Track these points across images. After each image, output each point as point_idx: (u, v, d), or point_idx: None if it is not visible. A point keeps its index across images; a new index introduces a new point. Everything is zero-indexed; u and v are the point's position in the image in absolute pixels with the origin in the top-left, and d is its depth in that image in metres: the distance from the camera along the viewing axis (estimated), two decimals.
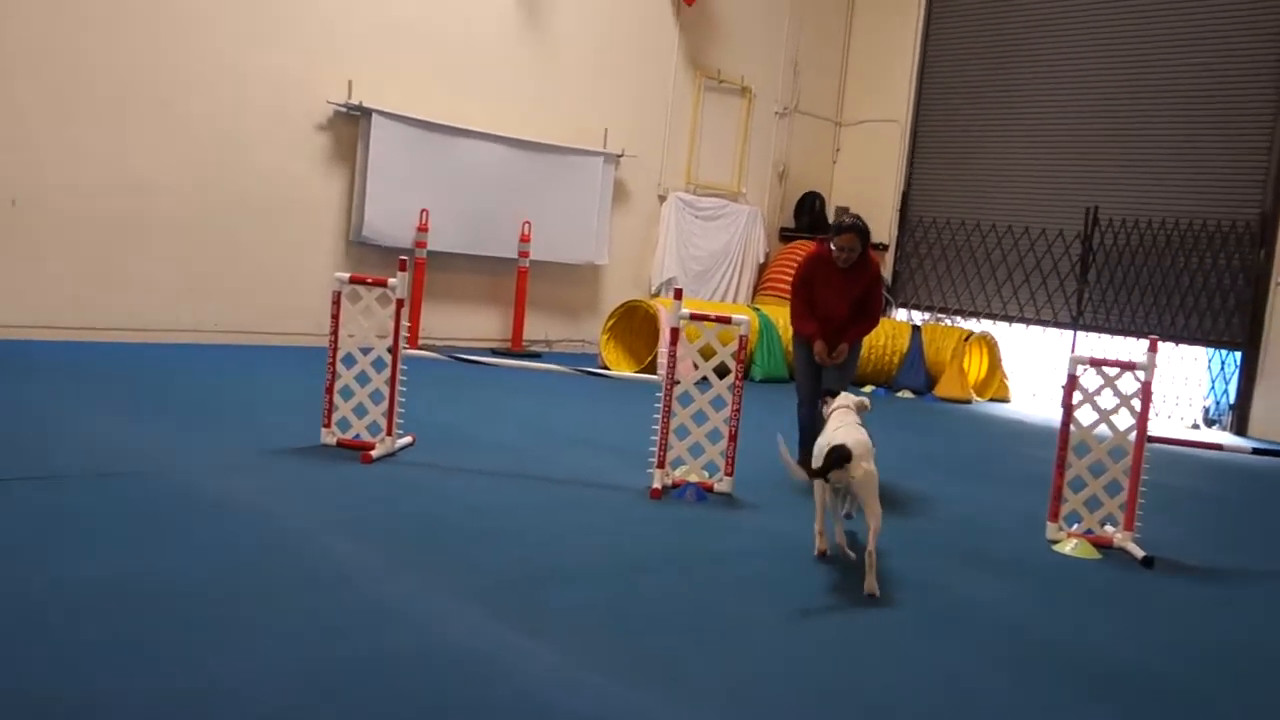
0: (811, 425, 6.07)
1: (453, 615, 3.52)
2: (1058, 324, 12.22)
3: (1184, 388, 11.49)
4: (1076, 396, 5.40)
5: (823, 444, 4.55)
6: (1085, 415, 5.45)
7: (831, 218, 13.85)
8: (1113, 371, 5.41)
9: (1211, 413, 11.35)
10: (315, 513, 4.58)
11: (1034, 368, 12.61)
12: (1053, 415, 11.07)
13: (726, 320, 5.66)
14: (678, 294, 5.66)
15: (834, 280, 6.28)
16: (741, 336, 5.58)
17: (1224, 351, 11.21)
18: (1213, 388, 11.41)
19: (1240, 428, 10.93)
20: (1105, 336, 11.92)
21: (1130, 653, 3.87)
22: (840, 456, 4.31)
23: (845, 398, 5.06)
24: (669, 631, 3.59)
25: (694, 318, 5.65)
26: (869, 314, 6.43)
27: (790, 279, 12.61)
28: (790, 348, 10.92)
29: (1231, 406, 11.10)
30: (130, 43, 8.55)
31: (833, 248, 6.21)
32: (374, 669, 3.03)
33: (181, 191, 8.96)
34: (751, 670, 3.34)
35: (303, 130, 9.62)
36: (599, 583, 4.04)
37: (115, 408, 6.30)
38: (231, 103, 9.14)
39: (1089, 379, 5.44)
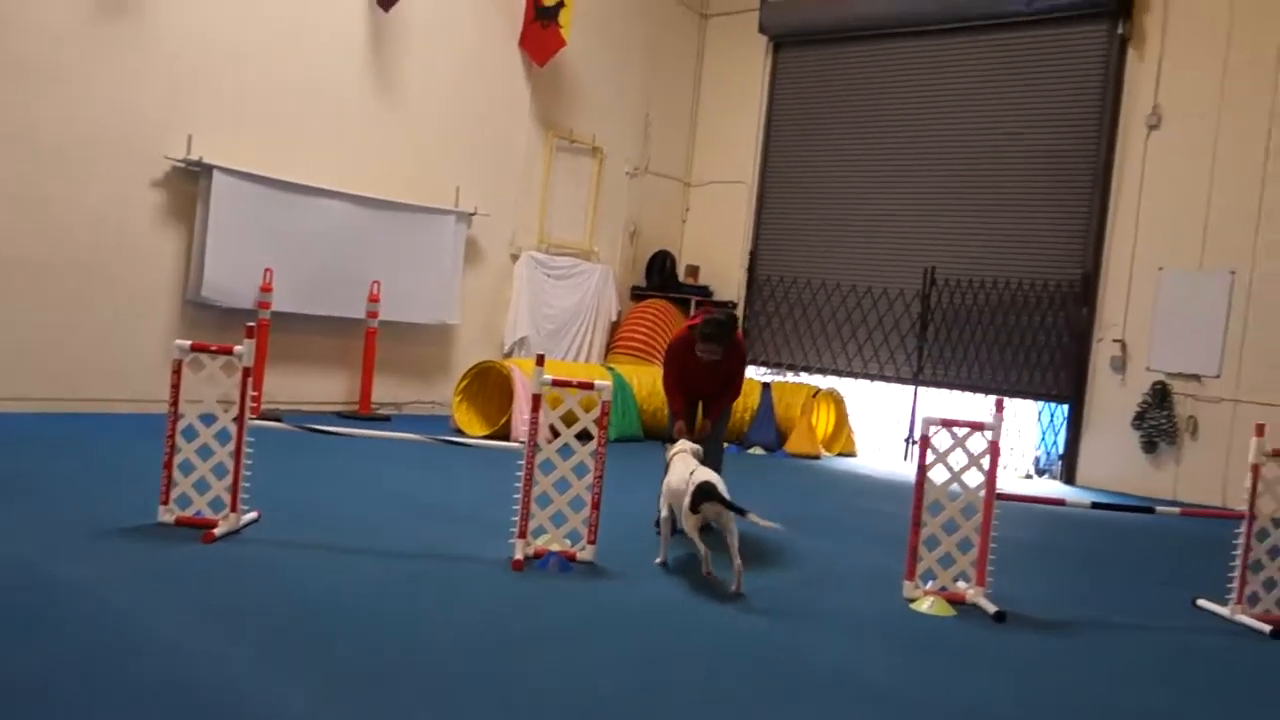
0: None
1: (311, 714, 3.32)
2: (900, 379, 12.62)
3: (1017, 439, 11.99)
4: (929, 456, 5.53)
5: (680, 481, 5.61)
6: (937, 473, 5.59)
7: (682, 276, 14.04)
8: (962, 432, 5.58)
9: (1042, 463, 11.88)
10: (156, 602, 4.28)
11: (878, 423, 12.97)
12: (898, 469, 11.42)
13: (589, 386, 5.61)
14: (539, 360, 5.58)
15: (701, 365, 6.56)
16: (604, 402, 5.53)
17: (1053, 404, 11.76)
18: (1043, 439, 11.95)
19: (1069, 476, 11.46)
20: (944, 391, 12.36)
21: (992, 708, 3.94)
22: (707, 492, 5.38)
23: (683, 444, 6.12)
24: (548, 717, 3.48)
25: (556, 383, 5.58)
26: (731, 390, 6.85)
27: (641, 337, 12.84)
28: (649, 400, 11.03)
29: (1060, 457, 11.63)
30: None
31: (698, 344, 6.46)
32: None
33: (8, 245, 8.43)
34: None
35: (138, 186, 9.19)
36: (466, 668, 3.89)
37: None
38: (62, 157, 8.67)
39: (940, 439, 5.59)
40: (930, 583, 5.61)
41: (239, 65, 9.72)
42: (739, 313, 13.80)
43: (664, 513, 5.83)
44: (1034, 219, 11.76)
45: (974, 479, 5.60)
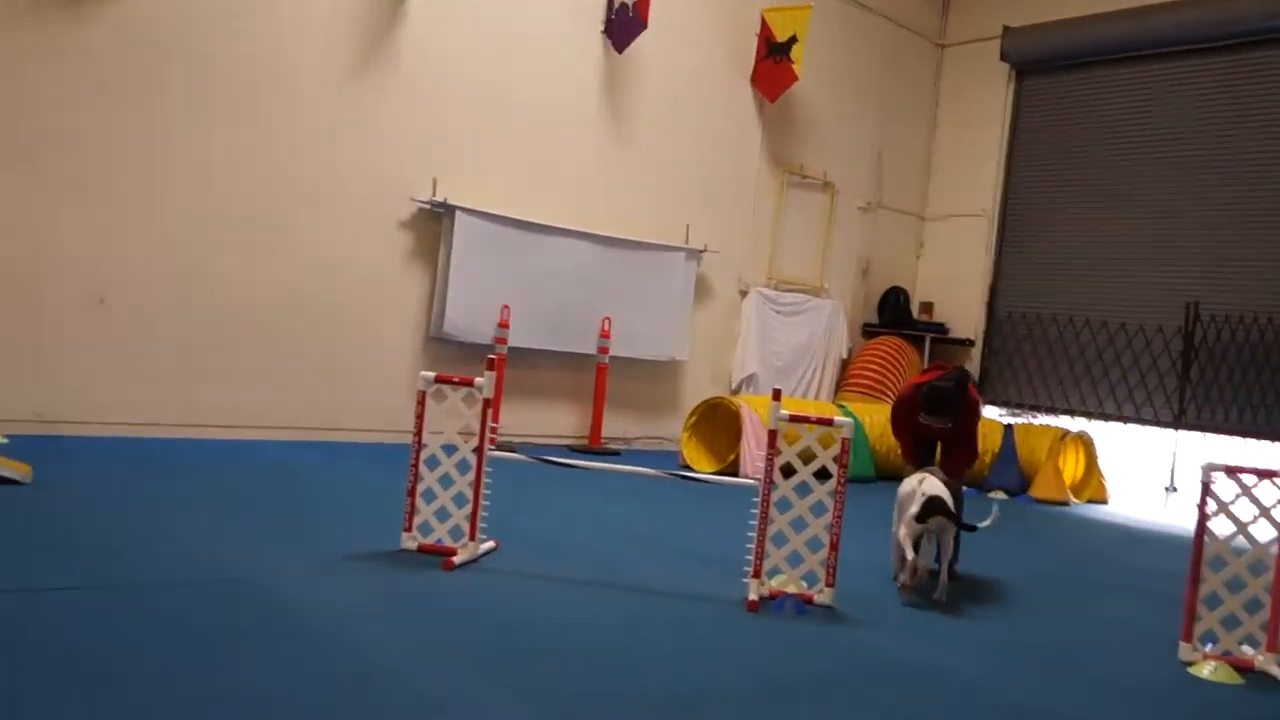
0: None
1: None
2: (1157, 422, 11.70)
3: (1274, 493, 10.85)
4: (1211, 506, 5.00)
5: (913, 490, 5.71)
6: (1219, 526, 5.04)
7: (916, 313, 13.56)
8: (1250, 480, 5.01)
9: None
10: (399, 627, 4.33)
11: (1132, 468, 12.06)
12: (1155, 519, 10.54)
13: (829, 422, 5.37)
14: (776, 394, 5.39)
15: (929, 426, 6.26)
16: (844, 439, 5.28)
17: None
18: None
19: None
20: (1208, 435, 11.37)
21: None
22: (936, 507, 5.50)
23: (921, 473, 5.98)
24: None
25: (793, 419, 5.37)
26: (967, 451, 6.42)
27: (873, 375, 12.44)
28: (880, 440, 10.62)
29: None
30: (221, 138, 8.64)
31: (920, 419, 6.17)
32: None
33: (267, 287, 8.97)
34: None
35: (387, 227, 9.64)
36: (699, 713, 3.71)
37: (192, 506, 6.17)
38: (317, 205, 9.18)
39: (1223, 487, 5.04)
40: (1211, 645, 5.04)
41: (482, 109, 10.07)
42: (977, 350, 13.19)
43: (902, 531, 5.72)
44: None
45: (1262, 532, 5.02)
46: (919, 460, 6.39)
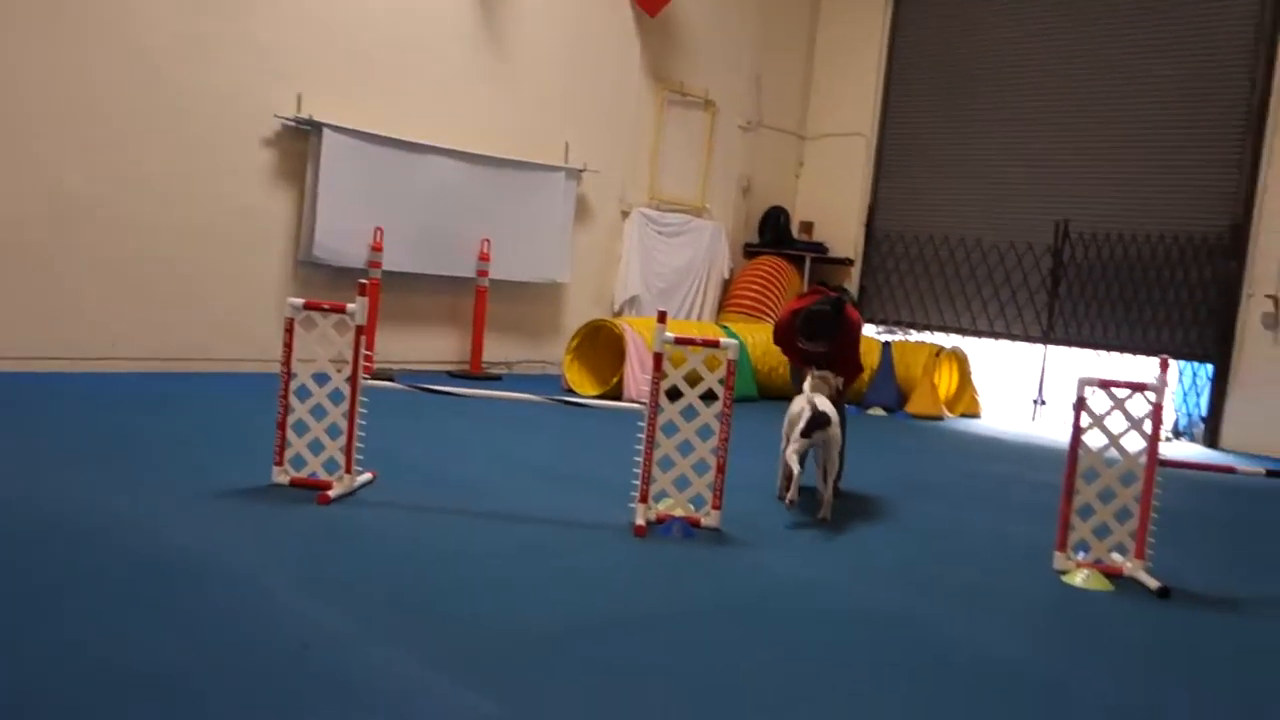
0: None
1: (428, 690, 3.10)
2: (1028, 338, 12.02)
3: (1144, 405, 11.29)
4: (1085, 419, 5.09)
5: (801, 406, 5.76)
6: (1091, 438, 5.15)
7: (796, 232, 13.60)
8: (1122, 393, 5.12)
9: (1181, 425, 11.19)
10: (269, 564, 4.13)
11: (1004, 383, 12.40)
12: (1026, 432, 10.87)
13: (715, 344, 5.29)
14: (661, 316, 5.28)
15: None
16: (730, 361, 5.21)
17: (1195, 364, 11.06)
18: (1184, 400, 11.25)
19: (1212, 440, 10.78)
20: (1076, 350, 11.73)
21: (1149, 698, 3.54)
22: (823, 421, 5.58)
23: (832, 379, 6.07)
24: (685, 703, 3.20)
25: (679, 341, 5.28)
26: (850, 369, 6.40)
27: (754, 295, 12.46)
28: (763, 360, 10.66)
29: (1203, 419, 10.94)
30: (70, 53, 8.03)
31: (799, 341, 6.15)
32: None
33: (118, 211, 8.45)
34: None
35: (249, 147, 9.14)
36: (591, 641, 3.63)
37: (49, 443, 5.81)
38: (172, 118, 8.65)
39: (1097, 401, 5.14)
40: (1083, 554, 5.18)
41: (349, 21, 9.58)
42: (856, 270, 13.32)
43: (790, 447, 5.69)
44: (1177, 166, 11.01)
45: (1133, 443, 5.15)
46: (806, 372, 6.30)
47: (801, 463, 5.62)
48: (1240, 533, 6.71)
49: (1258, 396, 10.47)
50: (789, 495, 5.54)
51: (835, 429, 5.68)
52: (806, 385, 6.01)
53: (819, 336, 6.09)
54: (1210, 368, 10.90)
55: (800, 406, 5.80)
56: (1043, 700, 3.47)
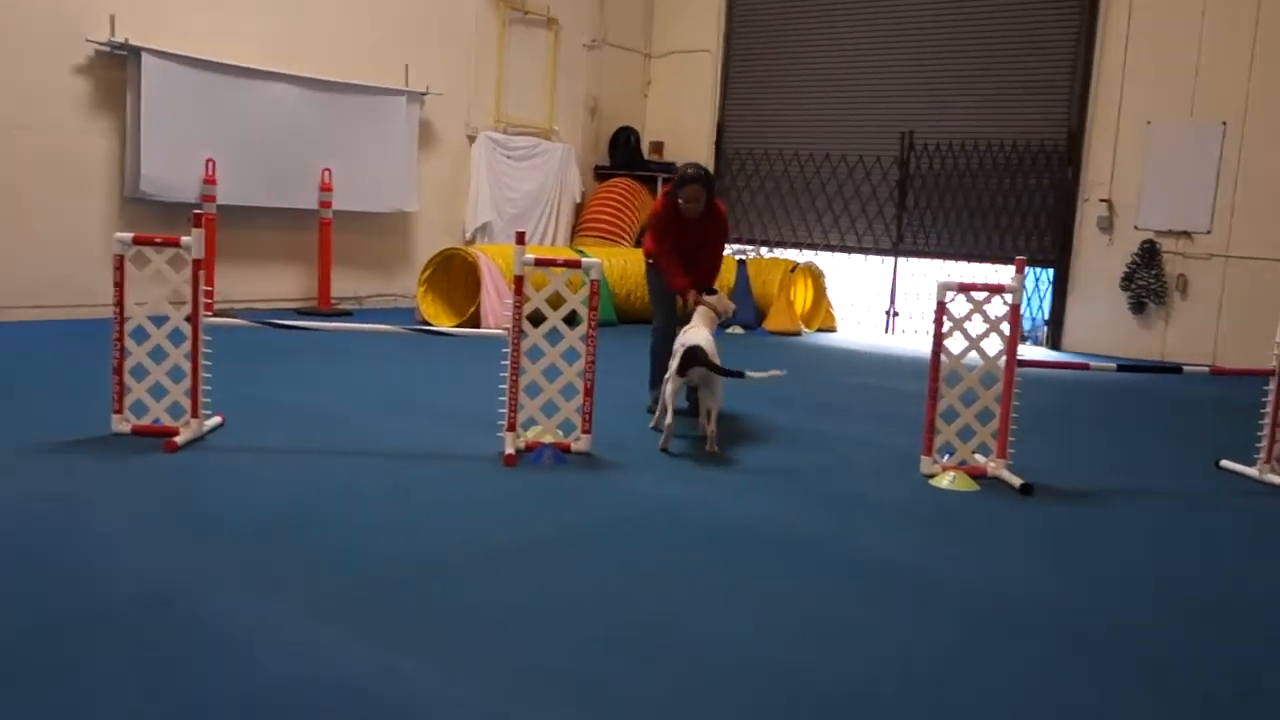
0: (666, 353, 5.88)
1: (298, 635, 2.92)
2: (879, 250, 12.22)
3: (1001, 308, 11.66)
4: (946, 325, 5.15)
5: (680, 344, 5.51)
6: (951, 343, 5.21)
7: (647, 153, 13.45)
8: (980, 296, 5.19)
9: (1027, 329, 11.60)
10: (117, 519, 3.84)
11: (858, 296, 12.62)
12: (881, 343, 11.10)
13: (576, 264, 5.14)
14: (520, 238, 5.09)
15: (688, 229, 6.17)
16: (594, 281, 5.07)
17: (1037, 269, 11.44)
18: (1027, 304, 11.64)
19: (1055, 342, 11.22)
20: (925, 260, 11.99)
21: (1025, 587, 3.63)
22: (697, 358, 5.32)
23: (718, 299, 5.98)
24: (564, 628, 3.10)
25: (540, 263, 5.10)
26: (712, 256, 6.38)
27: (607, 218, 12.30)
28: (620, 284, 10.54)
29: (1046, 322, 11.37)
30: None
31: (680, 203, 6.07)
32: (218, 713, 2.42)
33: None
34: (674, 669, 2.88)
35: (58, 75, 8.43)
36: (464, 577, 3.49)
37: None
38: None
39: (957, 305, 5.20)
40: (948, 457, 5.28)
41: None
42: None
43: (667, 387, 5.55)
44: (1015, 77, 11.27)
45: (992, 345, 5.24)
46: (685, 278, 6.12)
47: (676, 400, 5.52)
48: (1093, 428, 6.97)
49: (1095, 297, 10.92)
50: (661, 443, 5.41)
51: (707, 368, 5.43)
52: (697, 314, 5.88)
53: (700, 181, 6.00)
54: (1052, 272, 11.29)
55: (678, 342, 5.64)
56: (921, 597, 3.50)
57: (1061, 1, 10.95)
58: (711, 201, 6.17)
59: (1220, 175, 10.14)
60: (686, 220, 6.13)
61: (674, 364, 5.46)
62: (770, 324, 11.27)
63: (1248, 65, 9.95)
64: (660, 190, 12.90)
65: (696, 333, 5.61)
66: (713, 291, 6.07)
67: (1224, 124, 10.09)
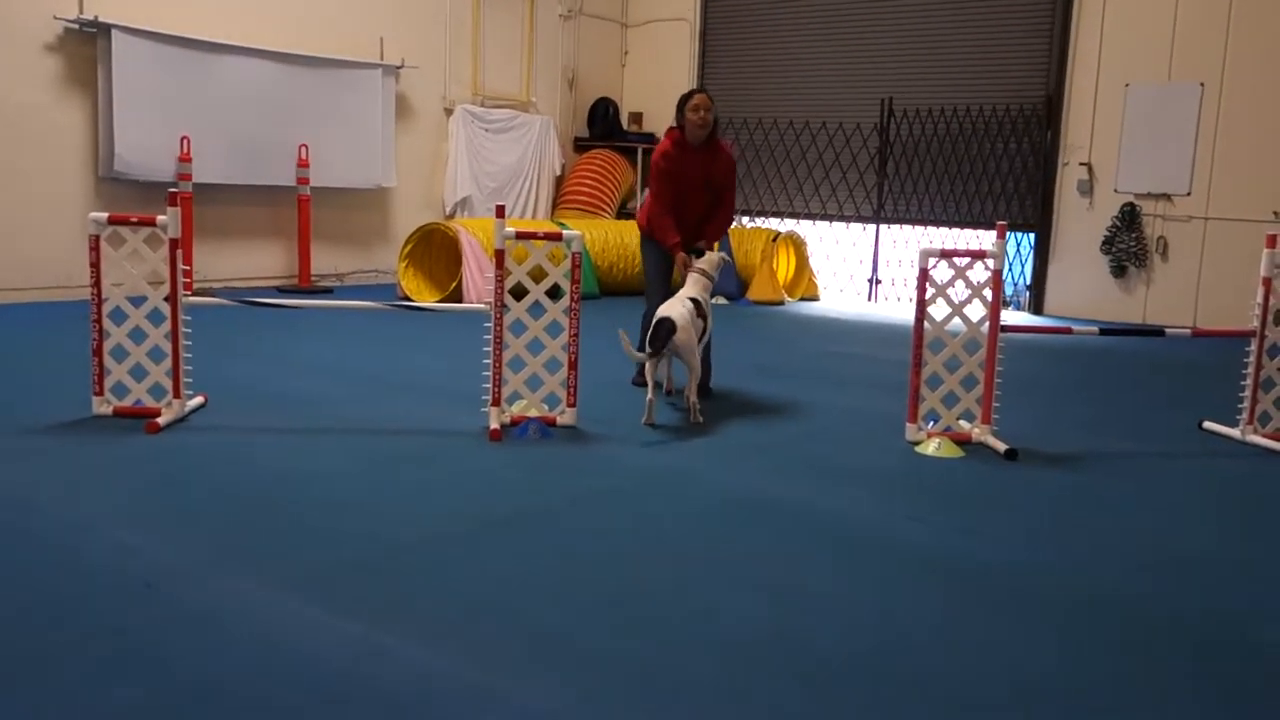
0: None
1: (287, 617, 2.90)
2: (860, 218, 12.20)
3: (983, 273, 11.67)
4: (929, 292, 5.15)
5: (655, 316, 5.41)
6: (934, 310, 5.21)
7: (626, 124, 13.37)
8: (963, 262, 5.19)
9: (1009, 294, 11.61)
10: (103, 501, 3.81)
11: (840, 264, 12.61)
12: (865, 311, 11.10)
13: (557, 237, 5.10)
14: (499, 211, 5.05)
15: (692, 164, 5.88)
16: (575, 254, 5.04)
17: (1019, 234, 11.45)
18: (1009, 270, 11.65)
19: (1037, 306, 11.24)
20: (906, 228, 11.98)
21: (1011, 553, 3.64)
22: (666, 330, 5.25)
23: (708, 260, 5.81)
24: (550, 599, 3.10)
25: (521, 236, 5.07)
26: (724, 203, 6.07)
27: (588, 190, 12.23)
28: (602, 256, 10.50)
29: (1028, 286, 11.39)
30: None
31: (687, 118, 5.82)
32: (206, 694, 2.41)
33: None
34: (661, 635, 2.88)
35: (27, 53, 8.31)
36: (455, 551, 3.49)
37: None
38: None
39: (940, 272, 5.20)
40: (933, 424, 5.29)
41: None
42: None
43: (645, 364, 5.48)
44: (993, 41, 11.22)
45: (972, 313, 5.25)
46: (677, 234, 5.86)
47: (658, 374, 5.47)
48: (1076, 392, 6.99)
49: (1076, 261, 10.94)
50: (645, 418, 5.29)
51: (685, 334, 5.33)
52: (689, 282, 5.75)
53: (703, 92, 5.86)
54: (1033, 236, 11.30)
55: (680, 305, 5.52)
56: (907, 563, 3.51)
57: None
58: (715, 135, 5.96)
59: (1199, 137, 10.15)
60: (690, 161, 5.86)
61: (647, 339, 5.38)
62: (753, 294, 11.25)
63: (1225, 26, 9.94)
64: (640, 163, 12.85)
65: (671, 305, 5.50)
66: (700, 253, 5.89)
67: (1202, 85, 10.09)
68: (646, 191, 6.23)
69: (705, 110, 5.81)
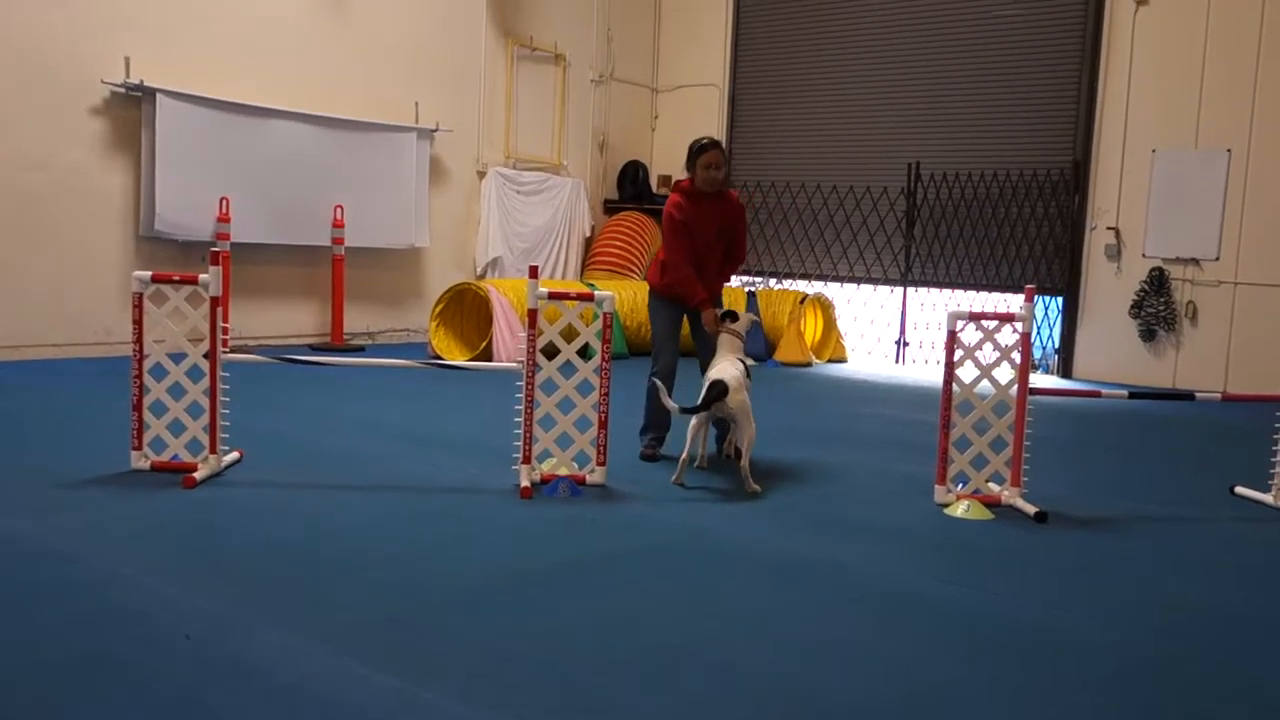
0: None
1: (324, 670, 2.94)
2: (888, 280, 12.26)
3: (1011, 336, 11.67)
4: (957, 354, 5.18)
5: (706, 379, 5.47)
6: (962, 372, 5.24)
7: (655, 186, 13.55)
8: (991, 325, 5.23)
9: (1038, 358, 11.60)
10: (141, 554, 3.87)
11: (868, 326, 12.64)
12: (892, 373, 11.12)
13: (589, 297, 5.18)
14: (533, 272, 5.14)
15: (707, 215, 5.84)
16: (606, 314, 5.11)
17: (1047, 297, 11.46)
18: (1038, 334, 11.65)
19: (1066, 370, 11.22)
20: (934, 290, 12.03)
21: (1040, 615, 3.63)
22: (719, 391, 5.27)
23: (742, 322, 5.82)
24: (581, 657, 3.12)
25: (553, 296, 5.15)
26: (737, 250, 6.09)
27: (617, 252, 12.36)
28: (631, 317, 10.58)
29: (1057, 350, 11.38)
30: None
31: (699, 174, 5.80)
32: None
33: None
34: (692, 690, 2.90)
35: (76, 116, 8.55)
36: (488, 607, 3.52)
37: None
38: None
39: (968, 334, 5.23)
40: (962, 486, 5.29)
41: None
42: None
43: (691, 421, 5.45)
44: (1020, 106, 11.34)
45: (1000, 375, 5.27)
46: (704, 290, 5.81)
47: (693, 447, 5.44)
48: (1106, 456, 6.96)
49: (1105, 325, 10.94)
50: (675, 477, 5.33)
51: (740, 395, 5.33)
52: (722, 344, 5.70)
53: (718, 147, 5.81)
54: (1061, 300, 11.32)
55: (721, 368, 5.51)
56: (935, 624, 3.51)
57: (1064, 31, 11.05)
58: (727, 182, 5.95)
59: (1226, 202, 10.18)
60: (704, 210, 5.83)
61: (701, 398, 5.33)
62: (781, 355, 11.30)
63: (1251, 93, 10.01)
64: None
65: (724, 368, 5.48)
66: (735, 317, 5.83)
67: (1229, 151, 10.15)
68: (658, 250, 6.15)
69: (717, 168, 5.79)
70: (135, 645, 3.04)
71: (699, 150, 5.82)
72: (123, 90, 8.73)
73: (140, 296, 5.05)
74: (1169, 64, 10.43)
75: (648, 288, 6.23)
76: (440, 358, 9.68)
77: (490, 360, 9.48)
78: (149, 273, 5.10)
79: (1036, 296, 11.39)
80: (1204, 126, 10.28)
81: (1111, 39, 10.75)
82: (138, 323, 5.04)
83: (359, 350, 10.21)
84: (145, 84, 8.74)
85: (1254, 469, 5.88)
